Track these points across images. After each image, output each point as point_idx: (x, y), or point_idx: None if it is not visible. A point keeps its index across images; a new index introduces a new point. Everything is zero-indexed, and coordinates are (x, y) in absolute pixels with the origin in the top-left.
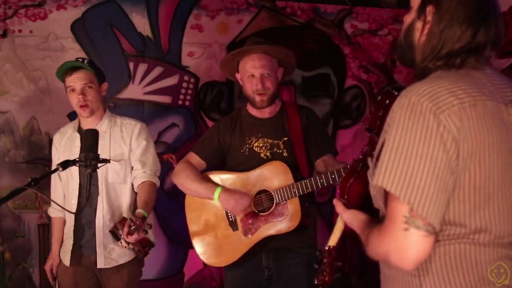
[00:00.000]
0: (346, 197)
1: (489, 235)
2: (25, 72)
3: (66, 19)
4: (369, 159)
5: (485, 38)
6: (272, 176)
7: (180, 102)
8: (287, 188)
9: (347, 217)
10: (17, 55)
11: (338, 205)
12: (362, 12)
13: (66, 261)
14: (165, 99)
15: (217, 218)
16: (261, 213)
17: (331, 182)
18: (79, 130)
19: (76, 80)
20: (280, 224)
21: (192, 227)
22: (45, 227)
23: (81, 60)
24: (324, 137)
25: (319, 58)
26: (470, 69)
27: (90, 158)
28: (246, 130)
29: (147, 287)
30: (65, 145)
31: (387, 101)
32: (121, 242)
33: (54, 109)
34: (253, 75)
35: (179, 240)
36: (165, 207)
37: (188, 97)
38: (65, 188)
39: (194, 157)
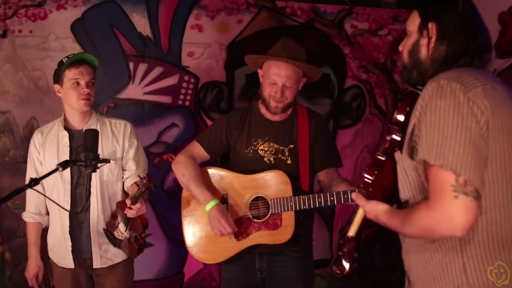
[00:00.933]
0: (370, 189)
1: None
2: (25, 72)
3: (66, 19)
4: (396, 153)
5: (484, 40)
6: (272, 184)
7: (180, 102)
8: (285, 200)
9: (370, 207)
10: (17, 55)
11: (359, 198)
12: (362, 12)
13: (67, 263)
14: (165, 99)
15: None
16: (255, 219)
17: (328, 204)
18: (66, 128)
19: (84, 74)
20: (271, 236)
21: (186, 221)
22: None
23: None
24: (330, 148)
25: (319, 58)
26: (476, 68)
27: (90, 158)
28: (254, 131)
29: (147, 287)
30: (51, 144)
31: (411, 102)
32: (117, 232)
33: (54, 109)
34: (275, 83)
35: (179, 240)
36: (165, 207)
37: (188, 97)
38: (52, 190)
39: (198, 148)
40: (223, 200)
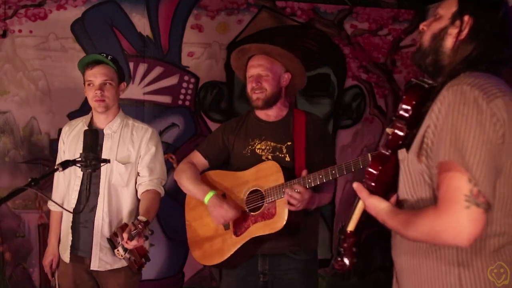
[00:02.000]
0: (373, 184)
1: None
2: (25, 72)
3: (66, 19)
4: (400, 151)
5: (510, 54)
6: (265, 175)
7: (180, 102)
8: (277, 187)
9: (371, 203)
10: (17, 55)
11: (361, 190)
12: (362, 12)
13: (66, 257)
14: (165, 99)
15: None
16: (251, 213)
17: (318, 183)
18: (90, 126)
19: (97, 75)
20: (268, 225)
21: (189, 226)
22: (45, 227)
23: (105, 55)
24: (326, 151)
25: (319, 58)
26: (491, 74)
27: (90, 158)
28: (250, 132)
29: (147, 287)
30: (73, 139)
31: (419, 94)
32: (118, 250)
33: (54, 109)
34: (251, 75)
35: (179, 240)
36: (165, 207)
37: (188, 97)
38: (68, 184)
39: (197, 156)
40: (223, 196)
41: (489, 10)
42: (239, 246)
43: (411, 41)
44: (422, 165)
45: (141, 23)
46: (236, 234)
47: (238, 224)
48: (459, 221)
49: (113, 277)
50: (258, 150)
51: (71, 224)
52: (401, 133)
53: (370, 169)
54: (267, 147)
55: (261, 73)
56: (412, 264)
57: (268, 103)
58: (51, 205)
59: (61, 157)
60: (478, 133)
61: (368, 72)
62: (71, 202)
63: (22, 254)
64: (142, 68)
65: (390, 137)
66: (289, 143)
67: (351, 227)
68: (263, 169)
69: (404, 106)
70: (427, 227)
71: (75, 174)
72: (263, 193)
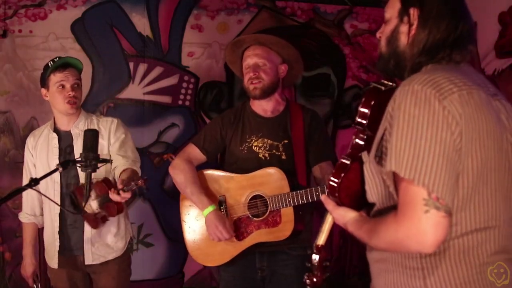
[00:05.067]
0: (337, 194)
1: (485, 218)
2: (25, 72)
3: (66, 19)
4: (364, 153)
5: (466, 29)
6: (269, 181)
7: (180, 102)
8: (282, 196)
9: (338, 215)
10: (17, 55)
11: (328, 203)
12: (362, 12)
13: (54, 263)
14: (165, 99)
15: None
16: (254, 218)
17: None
18: (55, 130)
19: (69, 77)
20: (272, 233)
21: (186, 225)
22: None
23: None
24: (325, 143)
25: (319, 58)
26: (456, 63)
27: (90, 158)
28: (247, 128)
29: (147, 287)
30: (42, 146)
31: (376, 97)
32: (88, 204)
33: None
34: (248, 66)
35: (179, 240)
36: (165, 207)
37: (188, 97)
38: (44, 191)
39: (194, 150)
40: (221, 202)
41: None
42: (241, 250)
43: None
44: (382, 169)
45: (141, 23)
46: (239, 238)
47: (240, 229)
48: (420, 227)
49: (106, 270)
50: (255, 148)
51: (57, 229)
52: (361, 142)
53: (332, 178)
54: (264, 145)
55: (258, 62)
56: (378, 267)
57: (266, 93)
58: (22, 218)
59: (31, 171)
60: (430, 136)
61: (368, 72)
62: (56, 207)
63: (22, 254)
64: (142, 68)
65: (351, 148)
66: (285, 141)
67: (321, 240)
68: (266, 175)
69: (362, 110)
70: (388, 236)
71: (53, 181)
72: (267, 200)
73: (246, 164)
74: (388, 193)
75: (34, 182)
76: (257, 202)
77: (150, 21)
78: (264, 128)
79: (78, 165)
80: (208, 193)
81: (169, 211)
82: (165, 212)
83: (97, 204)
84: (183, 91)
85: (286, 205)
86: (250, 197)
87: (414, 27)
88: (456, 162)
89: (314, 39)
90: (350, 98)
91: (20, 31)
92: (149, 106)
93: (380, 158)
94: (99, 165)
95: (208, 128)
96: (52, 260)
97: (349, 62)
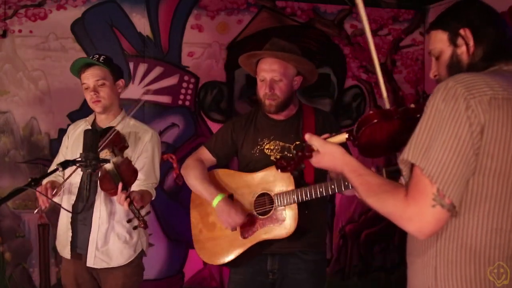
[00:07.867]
0: (364, 128)
1: (498, 220)
2: (25, 72)
3: (66, 19)
4: None
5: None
6: (275, 179)
7: (180, 102)
8: (287, 194)
9: (333, 150)
10: (17, 55)
11: (316, 138)
12: None
13: (66, 253)
14: (165, 99)
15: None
16: (260, 216)
17: (330, 192)
18: (93, 125)
19: (89, 77)
20: (276, 230)
21: (194, 222)
22: (45, 227)
23: (97, 57)
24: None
25: (319, 58)
26: (504, 71)
27: (90, 158)
28: (259, 131)
29: (147, 287)
30: (77, 138)
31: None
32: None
33: (54, 109)
34: (263, 79)
35: (179, 240)
36: (165, 207)
37: (188, 97)
38: (69, 180)
39: (205, 153)
40: (230, 198)
41: (466, 8)
42: (246, 248)
43: (411, 41)
44: (401, 155)
45: (141, 23)
46: (244, 236)
47: (246, 227)
48: (424, 219)
49: (112, 277)
50: (267, 151)
51: (70, 220)
52: (417, 115)
53: (370, 112)
54: (276, 147)
55: (274, 78)
56: (411, 260)
57: (281, 109)
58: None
59: (63, 152)
60: (450, 132)
61: (368, 72)
62: (71, 198)
63: (22, 254)
64: (142, 68)
65: (405, 107)
66: (297, 143)
67: (315, 147)
68: (273, 173)
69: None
70: (392, 209)
71: (77, 172)
72: (272, 197)
73: (258, 167)
74: None
75: (34, 182)
76: (264, 200)
77: (150, 21)
78: (276, 130)
79: (78, 164)
80: (217, 189)
81: (169, 211)
82: (165, 212)
83: (112, 165)
84: (183, 91)
85: (291, 202)
86: (256, 195)
87: (472, 43)
88: (471, 161)
89: (314, 39)
90: (350, 98)
91: (20, 31)
92: (149, 106)
93: None
94: (99, 165)
95: (220, 132)
96: (65, 249)
97: (349, 62)
